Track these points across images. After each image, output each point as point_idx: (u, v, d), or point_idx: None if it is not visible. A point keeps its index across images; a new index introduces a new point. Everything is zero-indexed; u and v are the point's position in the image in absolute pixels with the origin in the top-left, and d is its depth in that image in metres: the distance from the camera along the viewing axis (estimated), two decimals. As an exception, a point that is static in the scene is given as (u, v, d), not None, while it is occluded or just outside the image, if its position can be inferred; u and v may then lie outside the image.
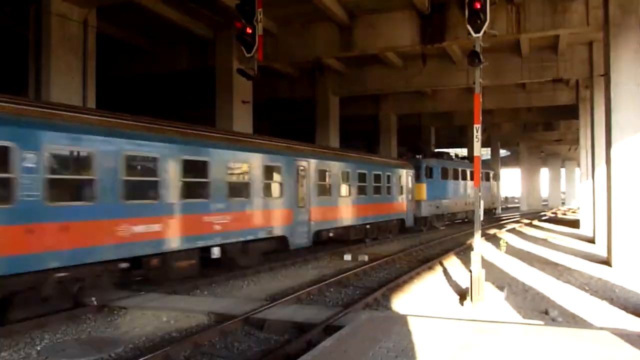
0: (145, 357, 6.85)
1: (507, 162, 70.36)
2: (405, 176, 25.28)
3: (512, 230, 28.44)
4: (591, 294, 11.36)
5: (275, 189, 15.23)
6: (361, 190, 20.49)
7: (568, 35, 21.25)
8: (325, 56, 22.81)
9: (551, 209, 58.80)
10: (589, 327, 8.30)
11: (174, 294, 11.11)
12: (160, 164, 11.19)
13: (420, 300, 10.83)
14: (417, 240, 22.62)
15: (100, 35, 17.15)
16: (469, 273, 10.22)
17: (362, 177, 20.62)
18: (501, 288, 11.35)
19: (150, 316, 9.30)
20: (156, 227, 11.04)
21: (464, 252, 17.67)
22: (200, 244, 12.27)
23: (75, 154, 9.65)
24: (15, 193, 8.40)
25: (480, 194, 11.16)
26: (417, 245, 20.69)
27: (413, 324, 7.43)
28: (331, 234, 18.32)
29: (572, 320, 9.18)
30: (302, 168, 16.39)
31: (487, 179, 40.17)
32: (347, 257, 17.01)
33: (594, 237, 21.64)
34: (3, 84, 18.60)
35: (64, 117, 9.53)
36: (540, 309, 9.87)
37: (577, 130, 31.87)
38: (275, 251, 15.69)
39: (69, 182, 9.64)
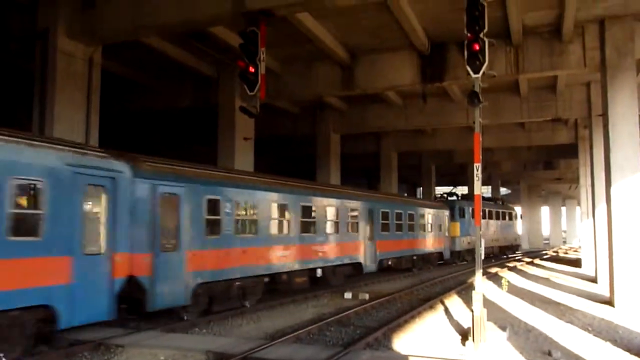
0: (141, 397, 6.70)
1: (507, 200, 70.28)
2: (443, 216, 29.46)
3: (514, 269, 28.22)
4: (594, 335, 11.20)
5: (354, 226, 19.80)
6: (411, 228, 24.84)
7: (566, 75, 21.58)
8: (327, 95, 23.13)
9: (552, 247, 58.47)
10: (593, 370, 8.16)
11: (171, 332, 10.96)
12: (291, 208, 16.00)
13: (422, 340, 10.66)
14: (418, 279, 22.43)
15: (105, 72, 17.43)
16: (471, 312, 10.10)
17: (411, 217, 24.99)
18: (503, 328, 11.20)
19: (147, 355, 9.14)
20: (286, 253, 15.69)
21: (465, 291, 17.49)
22: (310, 266, 16.96)
23: (250, 202, 14.42)
24: (221, 228, 13.06)
25: (480, 232, 11.11)
26: (418, 284, 20.50)
27: (414, 365, 7.32)
28: (390, 262, 22.68)
29: (576, 362, 9.04)
30: (371, 210, 21.02)
31: (510, 218, 42.84)
32: (348, 295, 16.83)
33: (596, 276, 21.45)
34: (9, 119, 18.80)
35: (244, 180, 14.63)
36: (543, 350, 9.72)
37: (577, 169, 32.02)
38: (352, 275, 19.94)
39: (245, 221, 14.31)
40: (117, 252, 10.30)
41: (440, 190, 62.28)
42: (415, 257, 25.51)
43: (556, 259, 37.93)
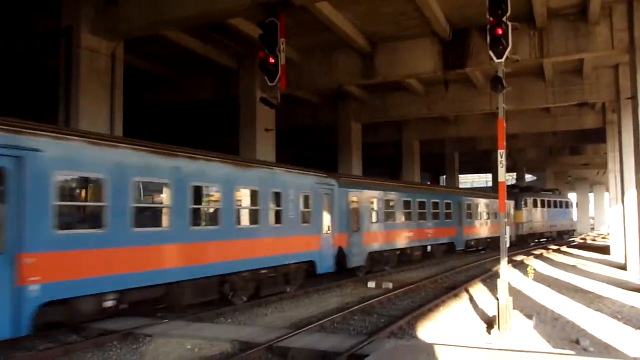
0: (169, 386, 6.84)
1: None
2: (510, 206, 35.35)
3: (540, 257, 27.84)
4: (624, 323, 10.99)
5: (449, 215, 26.21)
6: (486, 216, 31.59)
7: (593, 58, 21.10)
8: (347, 84, 23.03)
9: (580, 234, 57.54)
10: (622, 358, 8.02)
11: (198, 321, 11.10)
12: (412, 204, 22.64)
13: (447, 329, 10.61)
14: (443, 268, 22.32)
15: (127, 67, 17.64)
16: (496, 301, 10.01)
17: (486, 207, 31.54)
18: (530, 316, 11.07)
19: (175, 344, 9.28)
20: (411, 235, 22.35)
21: (490, 280, 17.34)
22: (424, 244, 23.71)
23: (391, 200, 21.03)
24: (378, 218, 19.93)
25: (505, 220, 10.97)
26: (442, 272, 20.39)
27: (440, 353, 7.28)
28: (472, 243, 29.44)
29: (605, 351, 8.88)
30: (459, 203, 27.64)
31: (567, 206, 48.37)
32: (371, 284, 16.82)
33: (625, 263, 21.05)
34: (35, 115, 19.15)
35: (388, 185, 21.84)
36: (571, 339, 9.59)
37: (605, 154, 31.35)
38: (448, 251, 26.67)
39: (389, 213, 20.78)
40: (335, 233, 16.97)
41: (463, 178, 61.67)
42: (489, 240, 31.46)
43: (584, 247, 37.28)
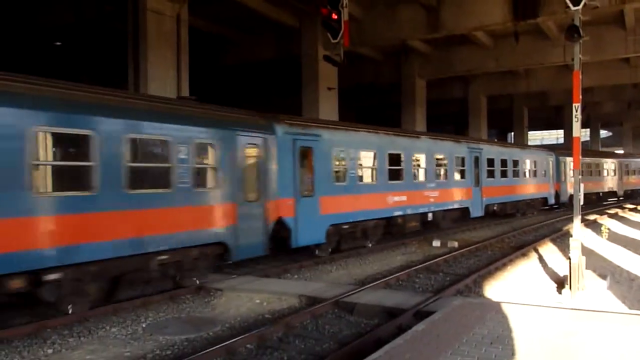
0: (241, 337, 7.15)
1: (608, 143, 65.83)
2: None
3: (615, 216, 26.61)
4: None
5: (608, 172, 37.43)
6: (631, 173, 42.25)
7: (680, 2, 19.38)
8: (411, 38, 22.38)
9: None
10: None
11: (265, 277, 11.46)
12: (601, 165, 36.52)
13: (514, 287, 10.44)
14: (509, 227, 21.81)
15: (192, 28, 17.85)
16: (567, 260, 9.70)
17: (628, 166, 41.85)
18: (603, 277, 10.68)
19: (244, 298, 9.65)
20: (590, 185, 31.66)
21: (560, 239, 16.80)
22: (597, 191, 35.23)
23: (584, 164, 32.16)
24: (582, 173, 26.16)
25: (580, 177, 10.51)
26: (509, 231, 19.93)
27: (508, 311, 7.19)
28: (629, 192, 41.69)
29: (686, 313, 8.47)
30: (621, 163, 39.75)
31: None
32: (436, 243, 16.70)
33: None
34: (106, 78, 19.88)
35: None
36: (648, 300, 9.21)
37: (691, 106, 29.22)
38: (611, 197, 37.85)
39: (587, 170, 33.33)
40: (554, 182, 28.53)
41: (531, 135, 59.10)
42: (629, 192, 41.82)
43: (663, 205, 35.26)
